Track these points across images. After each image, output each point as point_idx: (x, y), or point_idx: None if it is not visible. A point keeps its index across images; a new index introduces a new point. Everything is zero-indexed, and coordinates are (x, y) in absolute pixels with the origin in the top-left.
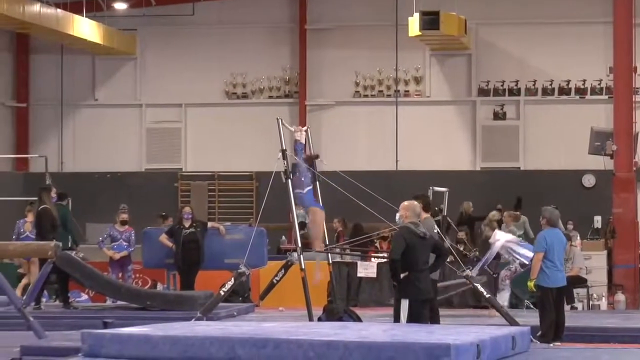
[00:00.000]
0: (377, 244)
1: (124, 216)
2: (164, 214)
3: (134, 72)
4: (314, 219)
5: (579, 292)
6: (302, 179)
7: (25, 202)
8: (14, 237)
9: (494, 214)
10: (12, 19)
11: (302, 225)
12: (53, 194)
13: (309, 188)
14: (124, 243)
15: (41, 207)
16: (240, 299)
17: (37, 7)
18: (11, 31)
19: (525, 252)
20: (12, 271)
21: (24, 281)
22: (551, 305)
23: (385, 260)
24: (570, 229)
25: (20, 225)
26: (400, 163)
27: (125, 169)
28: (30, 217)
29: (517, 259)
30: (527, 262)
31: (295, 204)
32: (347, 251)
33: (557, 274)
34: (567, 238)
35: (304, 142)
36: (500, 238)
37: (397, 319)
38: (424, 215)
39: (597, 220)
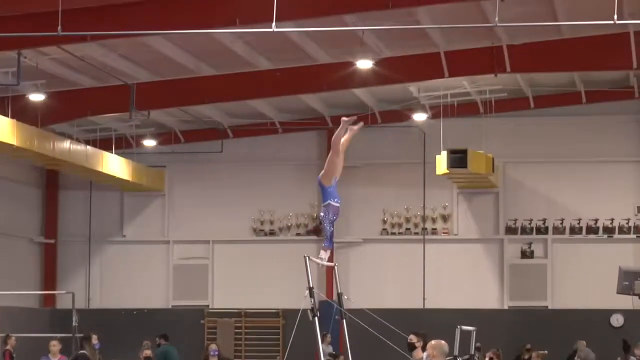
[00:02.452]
0: None
1: (147, 352)
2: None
3: (162, 208)
4: None
5: None
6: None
7: (50, 338)
8: None
9: None
10: (42, 156)
11: None
12: (95, 340)
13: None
14: None
15: (80, 351)
16: None
17: (67, 144)
18: (41, 167)
19: None
20: None
21: None
22: None
23: None
24: None
25: None
26: (428, 301)
27: (152, 306)
28: (54, 350)
29: None
30: None
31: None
32: None
33: None
34: None
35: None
36: None
37: None
38: (420, 354)
39: None
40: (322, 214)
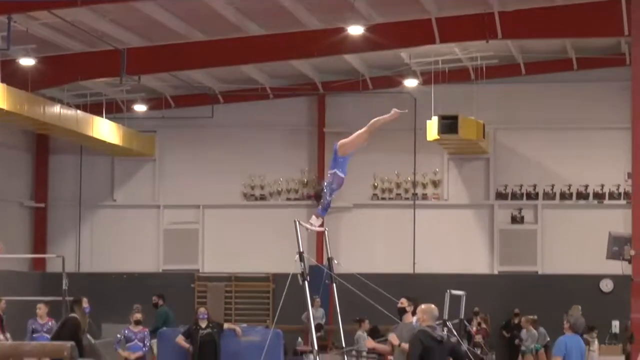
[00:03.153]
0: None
1: (138, 316)
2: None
3: (153, 173)
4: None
5: None
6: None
7: (40, 302)
8: (27, 336)
9: None
10: (32, 120)
11: (319, 328)
12: (85, 304)
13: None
14: (139, 343)
15: (71, 315)
16: None
17: (57, 108)
18: (31, 132)
19: None
20: None
21: None
22: None
23: None
24: (595, 336)
25: (31, 324)
26: (418, 266)
27: (142, 270)
28: (41, 313)
29: None
30: None
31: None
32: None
33: None
34: (585, 343)
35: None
36: None
37: None
38: (410, 318)
39: (615, 325)
40: (325, 182)
